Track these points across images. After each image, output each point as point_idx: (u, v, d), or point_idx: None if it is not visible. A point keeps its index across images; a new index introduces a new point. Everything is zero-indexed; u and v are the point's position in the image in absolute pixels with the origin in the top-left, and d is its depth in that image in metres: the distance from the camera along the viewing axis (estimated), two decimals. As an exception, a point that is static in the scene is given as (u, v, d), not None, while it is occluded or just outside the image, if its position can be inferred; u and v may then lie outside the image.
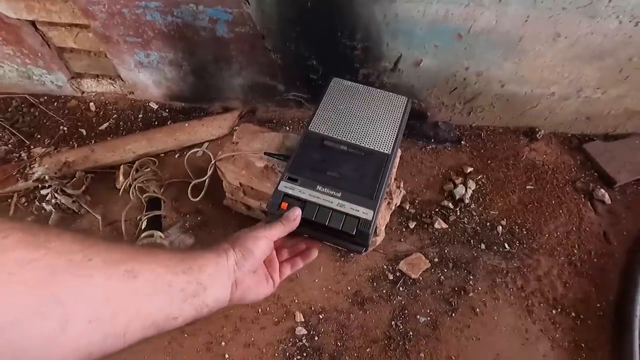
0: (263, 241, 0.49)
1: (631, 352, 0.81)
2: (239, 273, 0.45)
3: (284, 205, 0.70)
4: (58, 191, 1.04)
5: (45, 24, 1.11)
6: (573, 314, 0.89)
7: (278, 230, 0.53)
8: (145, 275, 0.32)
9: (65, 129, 1.26)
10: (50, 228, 0.29)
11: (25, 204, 1.09)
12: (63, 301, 0.26)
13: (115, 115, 1.29)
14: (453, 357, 0.84)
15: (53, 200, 1.04)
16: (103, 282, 0.29)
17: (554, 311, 0.90)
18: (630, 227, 1.02)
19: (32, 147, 1.22)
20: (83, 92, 1.33)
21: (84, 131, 1.26)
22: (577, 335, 0.86)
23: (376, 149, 0.78)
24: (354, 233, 0.67)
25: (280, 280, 0.55)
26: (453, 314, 0.90)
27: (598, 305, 0.91)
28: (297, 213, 0.56)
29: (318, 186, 0.72)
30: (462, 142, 1.20)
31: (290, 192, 0.71)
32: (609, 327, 0.87)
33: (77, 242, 0.30)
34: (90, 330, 0.28)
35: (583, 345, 0.85)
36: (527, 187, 1.10)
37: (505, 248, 0.99)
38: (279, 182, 0.73)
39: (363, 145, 0.78)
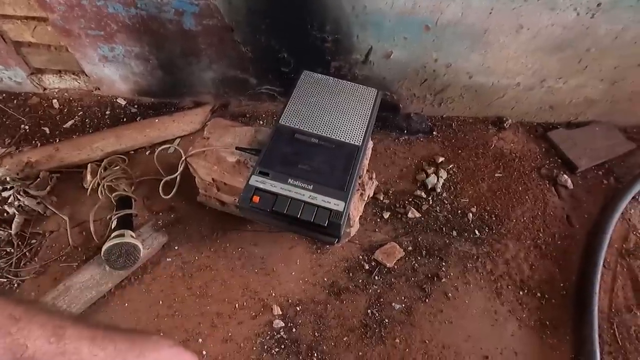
0: None
1: (591, 327, 0.86)
2: None
3: (256, 198, 0.70)
4: (21, 192, 1.00)
5: (-1, 16, 1.05)
6: (538, 294, 0.94)
7: None
8: None
9: (27, 127, 1.20)
10: None
11: (-14, 207, 1.04)
12: None
13: (80, 112, 1.24)
14: (427, 341, 0.87)
15: (16, 203, 0.99)
16: None
17: (521, 292, 0.94)
18: (591, 210, 1.08)
19: (-10, 147, 1.16)
20: (45, 89, 1.27)
21: (47, 129, 1.20)
22: (543, 314, 0.91)
23: (347, 141, 0.79)
24: (325, 225, 0.68)
25: None
26: (427, 300, 0.92)
27: (561, 285, 0.95)
28: None
29: (289, 179, 0.72)
30: (434, 132, 1.23)
31: (261, 186, 0.71)
32: (571, 306, 0.92)
33: None
34: None
35: (548, 323, 0.90)
36: (496, 174, 1.14)
37: (476, 234, 1.02)
38: (250, 177, 0.73)
39: (334, 137, 0.79)
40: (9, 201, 0.99)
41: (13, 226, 0.98)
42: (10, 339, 0.30)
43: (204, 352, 0.85)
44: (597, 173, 1.15)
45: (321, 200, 0.70)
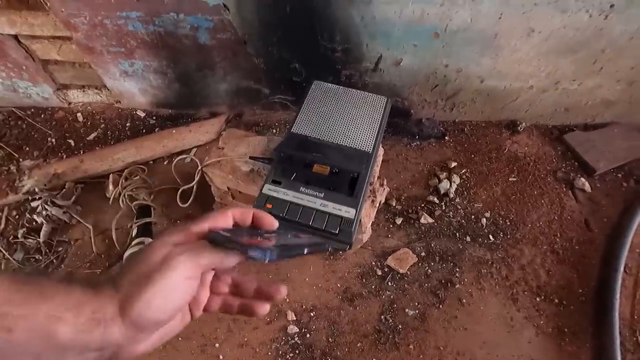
0: (181, 293, 0.28)
1: (612, 333, 0.84)
2: (122, 352, 0.27)
3: (269, 205, 0.72)
4: (48, 202, 1.05)
5: (28, 37, 1.12)
6: (556, 301, 0.92)
7: (215, 261, 0.30)
8: None
9: (54, 140, 1.27)
10: None
11: (17, 216, 1.10)
12: None
13: (102, 125, 1.30)
14: (441, 348, 0.87)
15: (44, 212, 1.05)
16: None
17: (537, 299, 0.92)
18: (610, 214, 1.05)
19: (20, 159, 1.22)
20: (70, 103, 1.34)
21: (72, 142, 1.26)
22: (561, 321, 0.89)
23: (358, 148, 0.80)
24: (337, 232, 0.69)
25: (201, 313, 0.35)
26: (440, 306, 0.92)
27: (580, 290, 0.93)
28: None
29: (301, 187, 0.74)
30: (446, 137, 1.22)
31: (274, 194, 0.73)
32: (590, 312, 0.90)
33: None
34: None
35: (566, 330, 0.88)
36: (510, 179, 1.13)
37: (490, 239, 1.02)
38: (263, 186, 0.75)
39: (345, 145, 0.80)
40: (38, 210, 1.05)
41: (41, 234, 1.03)
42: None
43: (221, 357, 0.87)
44: (616, 176, 1.12)
45: (332, 207, 0.71)
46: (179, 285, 0.27)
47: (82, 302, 0.24)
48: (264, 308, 0.33)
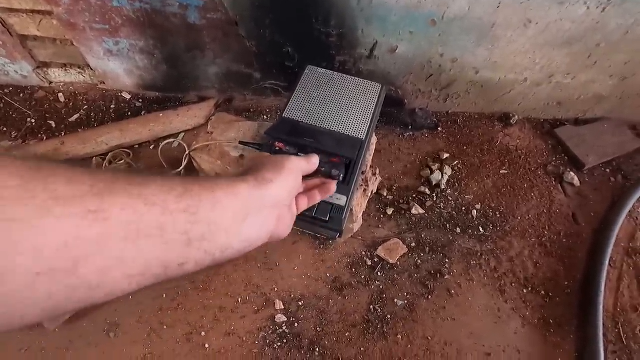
0: (300, 173, 0.44)
1: (596, 326, 0.85)
2: (283, 207, 0.40)
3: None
4: (27, 185, 1.01)
5: (5, 10, 1.05)
6: (543, 293, 0.93)
7: (304, 167, 0.46)
8: (121, 216, 0.26)
9: (33, 121, 1.21)
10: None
11: (-7, 199, 1.05)
12: None
13: (85, 106, 1.25)
14: (429, 338, 0.87)
15: (22, 195, 1.00)
16: (56, 224, 0.23)
17: (524, 290, 0.93)
18: (597, 208, 1.06)
19: (-3, 140, 1.17)
20: (51, 83, 1.28)
21: (53, 123, 1.21)
22: (546, 312, 0.90)
23: (350, 134, 0.78)
24: (327, 219, 0.68)
25: (297, 213, 0.48)
26: (429, 297, 0.92)
27: (566, 283, 0.95)
28: (317, 159, 0.51)
29: (292, 174, 0.72)
30: (439, 128, 1.21)
31: (264, 180, 0.71)
32: (575, 304, 0.92)
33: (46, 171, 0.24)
34: (42, 283, 0.23)
35: (551, 321, 0.89)
36: (501, 171, 1.13)
37: (480, 231, 1.02)
38: (253, 171, 0.72)
39: (337, 131, 0.78)
40: (16, 194, 1.00)
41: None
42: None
43: (207, 345, 0.85)
44: (605, 171, 1.13)
45: (324, 195, 0.70)
46: (300, 172, 0.44)
47: (238, 180, 0.35)
48: (332, 185, 0.53)
